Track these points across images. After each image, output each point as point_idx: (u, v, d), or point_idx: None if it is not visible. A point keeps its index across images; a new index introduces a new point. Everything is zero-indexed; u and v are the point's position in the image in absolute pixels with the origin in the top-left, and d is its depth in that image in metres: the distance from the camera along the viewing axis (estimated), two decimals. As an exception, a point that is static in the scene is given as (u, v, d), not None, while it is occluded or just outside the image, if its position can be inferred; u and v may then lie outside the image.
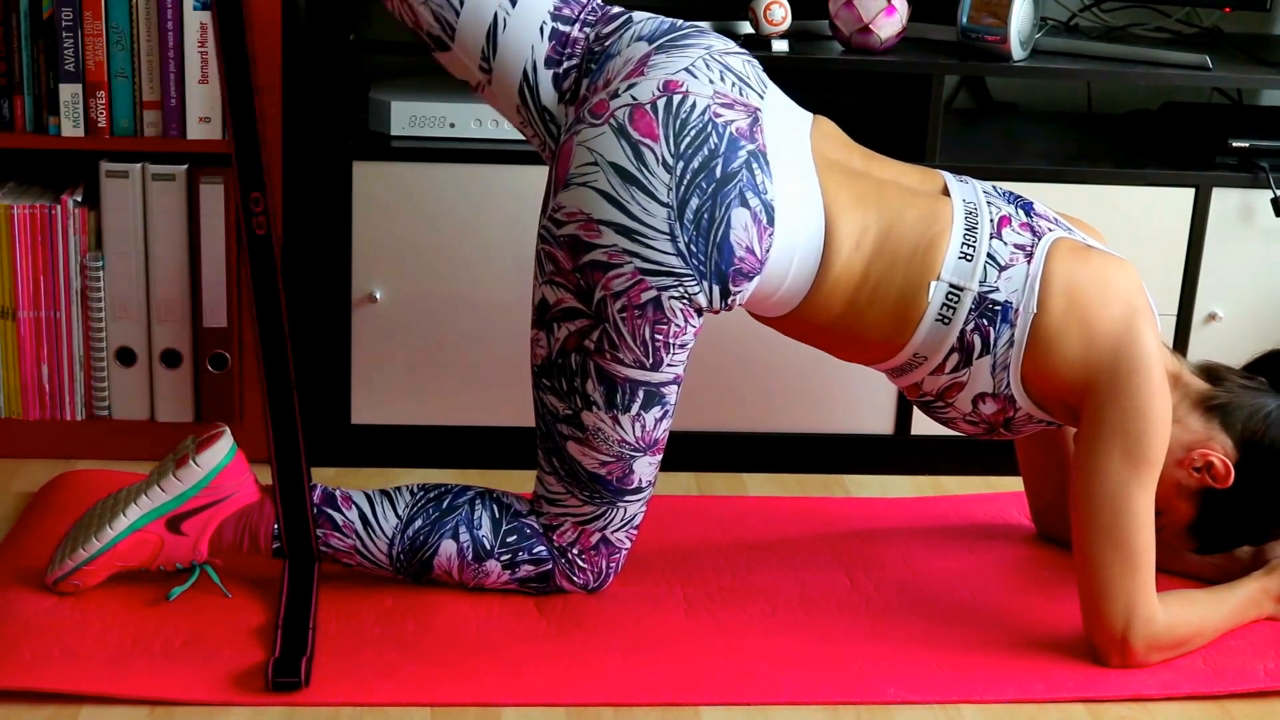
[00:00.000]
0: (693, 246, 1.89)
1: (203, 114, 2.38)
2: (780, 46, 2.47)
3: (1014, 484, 2.42)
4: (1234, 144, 2.57)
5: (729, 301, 1.94)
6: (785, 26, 2.45)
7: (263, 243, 1.97)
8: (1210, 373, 2.11)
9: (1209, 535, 2.10)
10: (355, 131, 2.45)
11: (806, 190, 1.97)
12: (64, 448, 2.47)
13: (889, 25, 2.45)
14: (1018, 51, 2.50)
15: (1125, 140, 2.77)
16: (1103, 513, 1.96)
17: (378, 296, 2.45)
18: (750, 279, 1.94)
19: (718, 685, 1.93)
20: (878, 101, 2.72)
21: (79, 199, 2.41)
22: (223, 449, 2.01)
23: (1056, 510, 2.29)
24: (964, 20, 2.51)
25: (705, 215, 1.89)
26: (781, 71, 2.51)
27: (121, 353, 2.46)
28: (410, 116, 2.44)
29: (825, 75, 2.73)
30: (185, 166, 2.40)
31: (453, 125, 2.45)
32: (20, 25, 2.34)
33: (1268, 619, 2.13)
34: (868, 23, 2.44)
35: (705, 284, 1.91)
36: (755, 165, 1.92)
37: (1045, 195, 2.41)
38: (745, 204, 1.90)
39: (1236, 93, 2.94)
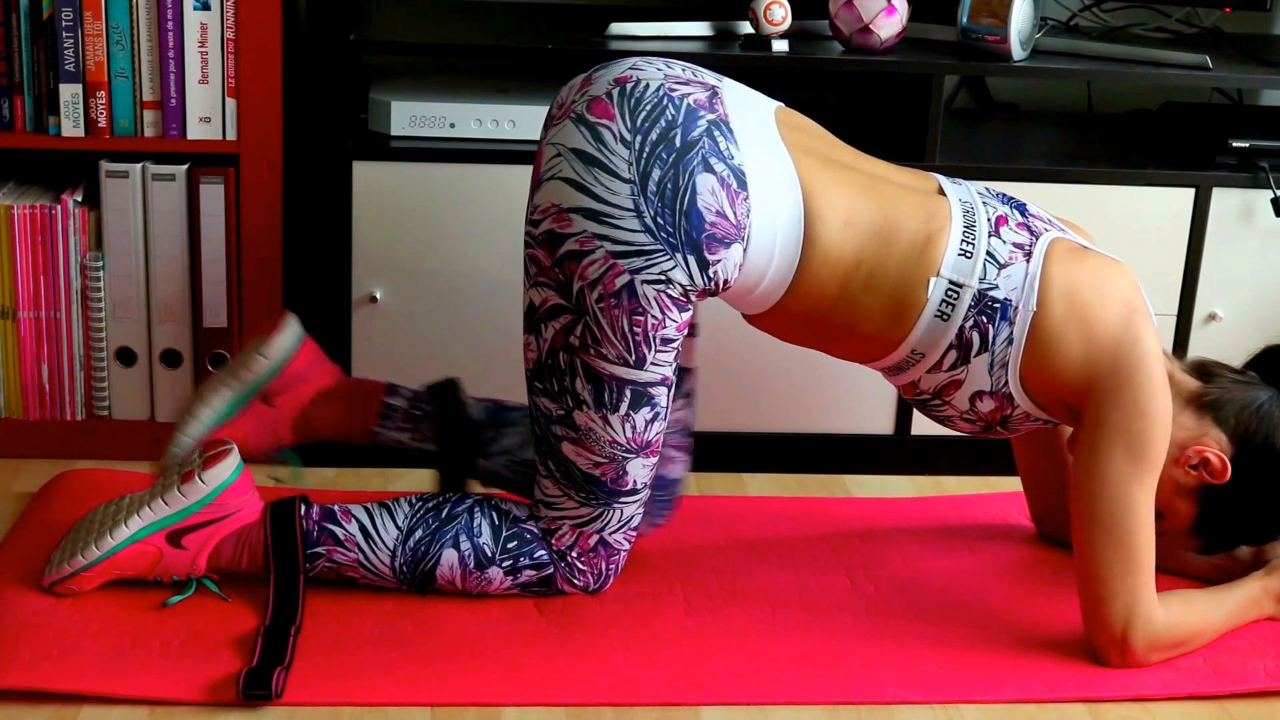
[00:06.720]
0: (659, 219, 1.89)
1: (203, 114, 2.38)
2: (780, 46, 2.47)
3: (1014, 484, 2.42)
4: (1234, 144, 2.57)
5: (711, 274, 1.93)
6: (785, 26, 2.45)
7: None
8: (1202, 370, 2.12)
9: (1213, 533, 2.10)
10: (355, 131, 2.45)
11: (777, 161, 1.96)
12: (64, 448, 2.47)
13: (889, 25, 2.45)
14: (1018, 51, 2.50)
15: (1125, 140, 2.77)
16: (1103, 512, 1.95)
17: (378, 296, 2.45)
18: (727, 245, 1.92)
19: (718, 685, 1.93)
20: (878, 101, 2.72)
21: (79, 199, 2.41)
22: (229, 466, 2.01)
23: (1057, 514, 2.29)
24: (964, 20, 2.51)
25: (668, 185, 1.89)
26: (781, 71, 2.52)
27: (121, 353, 2.46)
28: (410, 116, 2.44)
29: (825, 75, 2.73)
30: (185, 166, 2.40)
31: (453, 125, 2.45)
32: (20, 25, 2.34)
33: (1268, 619, 2.12)
34: (868, 23, 2.44)
35: (679, 257, 1.90)
36: (717, 132, 1.92)
37: (1045, 195, 2.41)
38: (710, 169, 1.90)
39: (1236, 93, 2.93)
